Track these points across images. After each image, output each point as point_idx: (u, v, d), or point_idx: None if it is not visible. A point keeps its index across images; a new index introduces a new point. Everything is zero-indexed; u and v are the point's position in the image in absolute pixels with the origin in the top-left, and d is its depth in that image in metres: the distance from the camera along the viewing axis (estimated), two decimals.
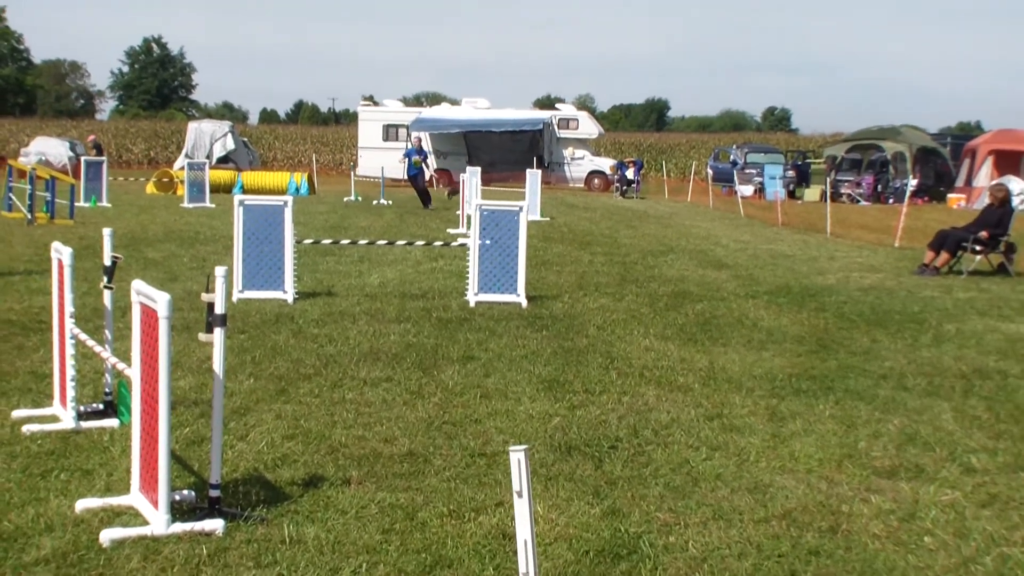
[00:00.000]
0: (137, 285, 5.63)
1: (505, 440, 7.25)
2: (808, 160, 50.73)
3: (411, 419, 7.71)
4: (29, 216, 22.74)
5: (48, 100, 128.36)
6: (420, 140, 35.50)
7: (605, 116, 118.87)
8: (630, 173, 45.31)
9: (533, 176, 29.69)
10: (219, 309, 5.61)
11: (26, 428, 7.05)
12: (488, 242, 13.28)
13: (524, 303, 13.05)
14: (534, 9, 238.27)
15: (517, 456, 3.17)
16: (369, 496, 5.98)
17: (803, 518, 5.89)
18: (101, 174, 30.96)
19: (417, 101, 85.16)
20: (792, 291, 15.09)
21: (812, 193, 44.59)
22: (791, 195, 44.48)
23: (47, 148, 50.65)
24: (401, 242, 16.77)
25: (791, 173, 46.97)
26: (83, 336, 7.13)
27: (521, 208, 13.48)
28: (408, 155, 32.27)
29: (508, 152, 48.20)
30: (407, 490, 6.12)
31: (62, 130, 70.12)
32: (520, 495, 3.18)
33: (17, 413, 7.44)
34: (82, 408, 7.37)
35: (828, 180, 34.18)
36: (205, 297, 5.78)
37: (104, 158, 34.34)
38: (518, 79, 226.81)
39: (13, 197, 25.00)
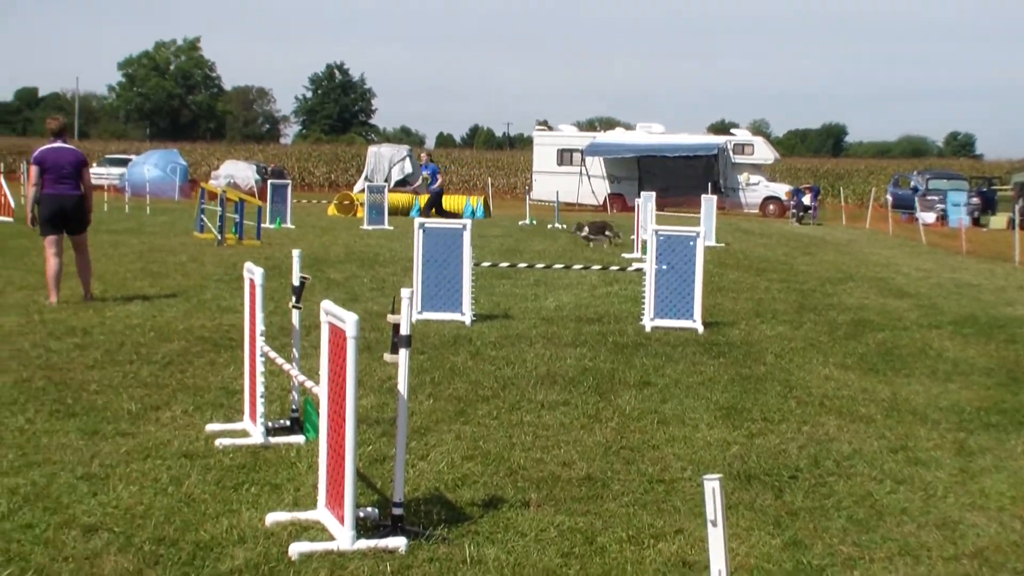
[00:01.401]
0: (326, 305, 5.80)
1: (683, 467, 7.20)
2: (994, 187, 49.05)
3: (589, 443, 7.73)
4: (219, 237, 23.60)
5: (236, 125, 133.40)
6: (428, 155, 33.44)
7: (780, 141, 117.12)
8: (806, 199, 44.56)
9: (708, 202, 29.45)
10: (404, 330, 5.73)
11: (219, 442, 7.32)
12: (664, 267, 13.24)
13: (700, 329, 12.95)
14: (708, 35, 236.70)
15: (712, 485, 3.15)
16: (548, 519, 6.01)
17: (996, 558, 5.68)
18: (286, 196, 31.97)
19: (591, 126, 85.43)
20: (979, 321, 14.61)
21: (998, 221, 43.09)
22: (975, 222, 43.07)
23: (236, 171, 52.67)
24: (577, 266, 16.84)
25: (975, 200, 45.50)
26: (272, 354, 7.36)
27: (698, 234, 13.40)
28: (432, 172, 30.58)
29: (682, 177, 47.91)
30: (586, 514, 6.13)
31: (249, 154, 72.85)
32: (715, 524, 3.16)
33: (210, 427, 7.73)
34: (270, 424, 7.60)
35: (1016, 207, 32.97)
36: (391, 318, 5.94)
37: (288, 181, 35.42)
38: (692, 104, 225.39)
39: (205, 218, 26.00)
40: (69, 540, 5.40)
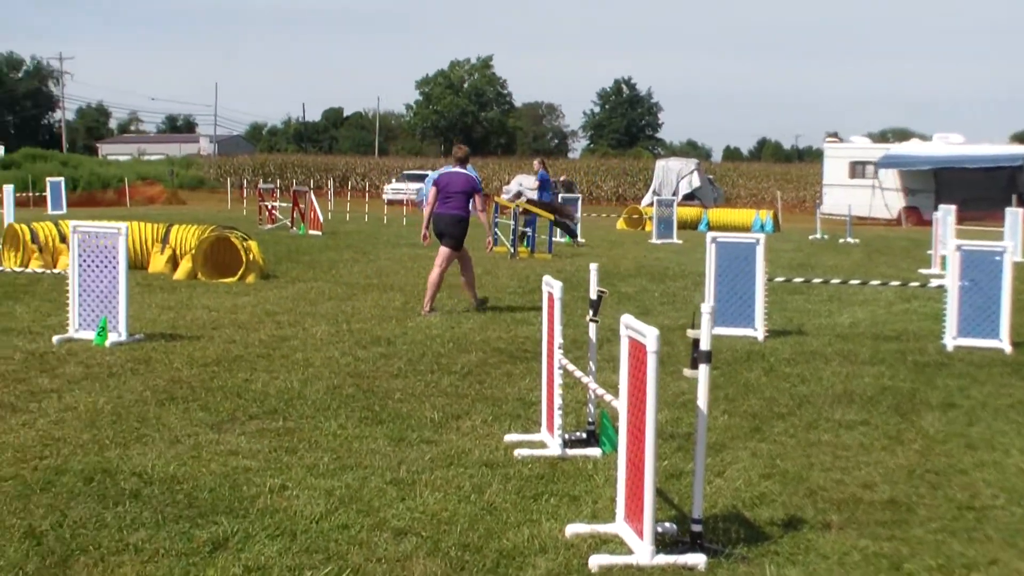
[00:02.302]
0: (626, 319, 5.86)
1: (994, 494, 6.86)
2: None
3: (891, 465, 7.48)
4: (512, 250, 24.18)
5: (526, 140, 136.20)
6: (542, 163, 30.27)
7: None
8: None
9: (1013, 215, 27.97)
10: (704, 345, 5.71)
11: (517, 452, 7.49)
12: (967, 283, 12.67)
13: (1008, 349, 12.31)
14: (1008, 35, 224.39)
15: None
16: (851, 543, 5.86)
17: None
18: (576, 210, 32.41)
19: (883, 137, 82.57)
20: None
21: None
22: None
23: (527, 185, 53.75)
24: (875, 282, 16.35)
25: None
26: (571, 367, 7.48)
27: (1005, 248, 12.77)
28: (543, 180, 28.69)
29: (983, 189, 45.59)
30: (890, 539, 5.94)
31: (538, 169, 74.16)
32: None
33: (509, 437, 7.92)
34: (567, 436, 7.72)
35: None
36: (690, 333, 5.91)
37: (578, 195, 35.88)
38: (994, 112, 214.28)
39: (498, 232, 26.69)
40: (381, 542, 5.65)
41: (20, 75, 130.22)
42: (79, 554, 5.33)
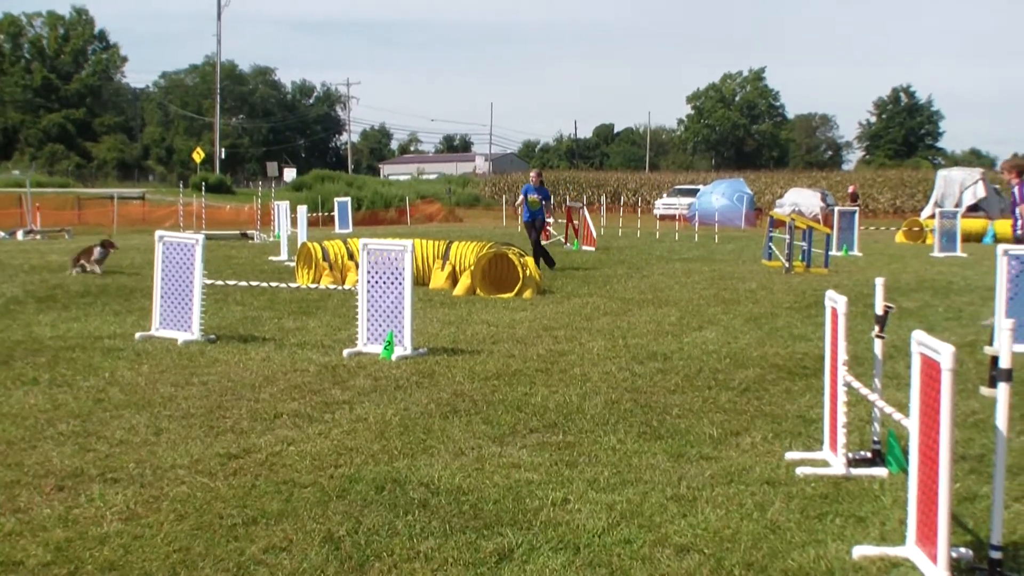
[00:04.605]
0: (918, 335, 5.67)
1: None
2: None
3: None
4: (786, 264, 23.74)
5: (799, 152, 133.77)
6: (540, 176, 26.07)
7: None
8: None
9: None
10: (1004, 363, 5.44)
11: (799, 471, 7.33)
12: None
13: None
14: None
15: None
16: None
17: None
18: (853, 224, 31.60)
19: None
20: None
21: None
22: None
23: (800, 199, 52.80)
24: None
25: None
26: (856, 384, 7.27)
27: None
28: (525, 193, 25.15)
29: None
30: None
31: (812, 181, 72.70)
32: None
33: (789, 455, 7.77)
34: (850, 455, 7.50)
35: None
36: (988, 350, 5.67)
37: (856, 208, 34.94)
38: None
39: (772, 246, 26.28)
40: (664, 558, 5.63)
41: (311, 101, 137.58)
42: (374, 560, 5.55)
